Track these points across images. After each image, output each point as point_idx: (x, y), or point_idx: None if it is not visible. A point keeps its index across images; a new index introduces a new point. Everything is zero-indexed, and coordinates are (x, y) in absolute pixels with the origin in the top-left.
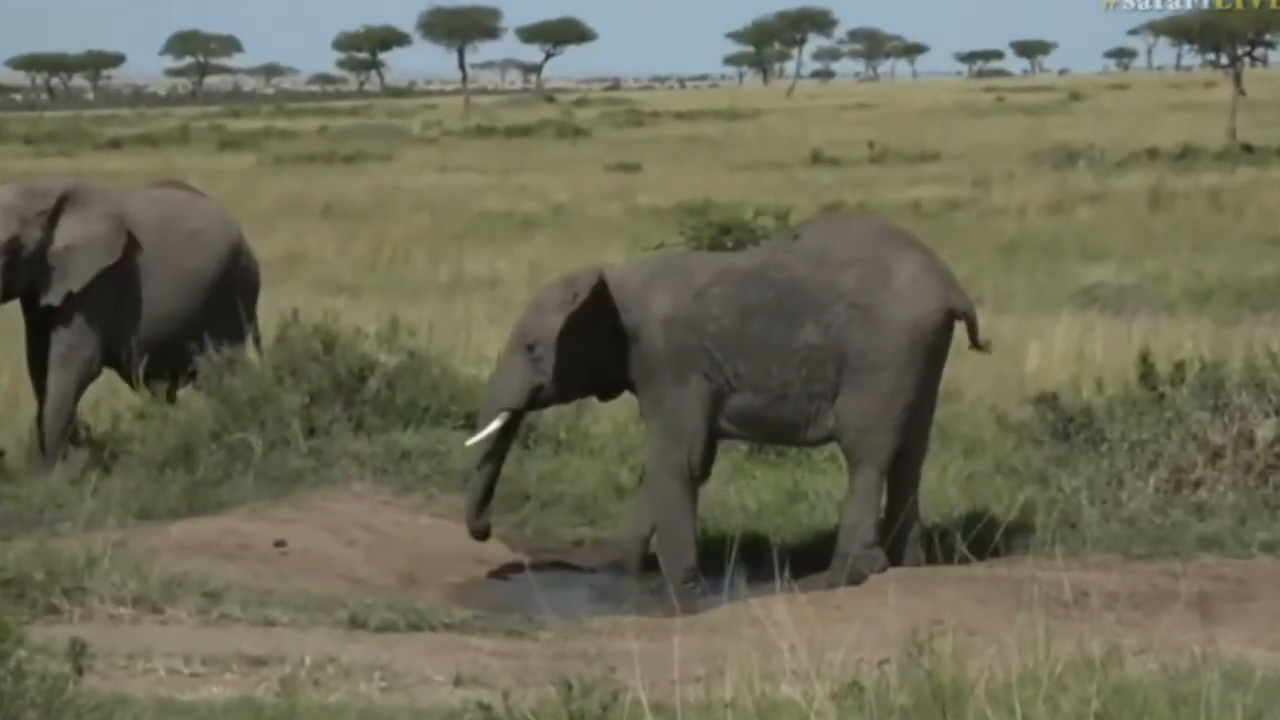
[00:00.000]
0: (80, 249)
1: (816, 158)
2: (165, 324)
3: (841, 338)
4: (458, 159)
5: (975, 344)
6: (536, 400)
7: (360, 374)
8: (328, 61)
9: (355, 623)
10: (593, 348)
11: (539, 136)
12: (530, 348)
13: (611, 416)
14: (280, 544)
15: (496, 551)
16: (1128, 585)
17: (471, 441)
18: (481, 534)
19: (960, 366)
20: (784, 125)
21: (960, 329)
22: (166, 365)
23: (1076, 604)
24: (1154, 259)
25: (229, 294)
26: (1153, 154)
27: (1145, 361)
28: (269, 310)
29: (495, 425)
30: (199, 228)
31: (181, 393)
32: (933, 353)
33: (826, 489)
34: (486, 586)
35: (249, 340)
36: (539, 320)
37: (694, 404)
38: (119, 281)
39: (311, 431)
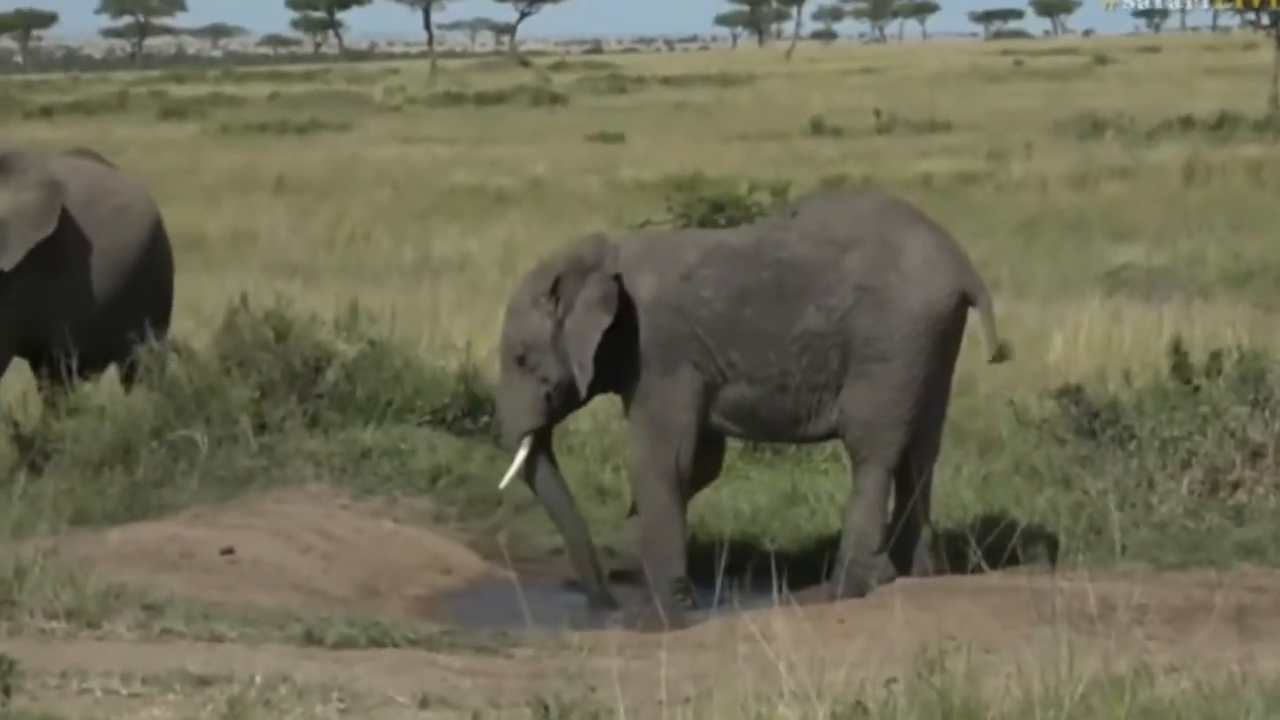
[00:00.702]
0: (10, 221)
1: (817, 127)
2: (96, 309)
3: (846, 323)
4: (423, 129)
5: (993, 352)
6: (553, 411)
7: (316, 365)
8: (280, 21)
9: (310, 638)
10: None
11: (512, 104)
12: (521, 359)
13: (592, 412)
14: (228, 552)
15: (465, 560)
16: (1159, 597)
17: (505, 482)
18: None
19: (974, 356)
20: (781, 92)
21: (973, 327)
22: (99, 356)
23: (1102, 618)
24: (1188, 238)
25: (151, 279)
26: (1187, 123)
27: (1178, 351)
28: (217, 294)
29: (522, 454)
30: (125, 203)
31: (111, 386)
32: (945, 340)
33: (828, 491)
34: (455, 599)
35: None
36: (519, 325)
37: (683, 397)
38: (50, 259)
39: (262, 428)
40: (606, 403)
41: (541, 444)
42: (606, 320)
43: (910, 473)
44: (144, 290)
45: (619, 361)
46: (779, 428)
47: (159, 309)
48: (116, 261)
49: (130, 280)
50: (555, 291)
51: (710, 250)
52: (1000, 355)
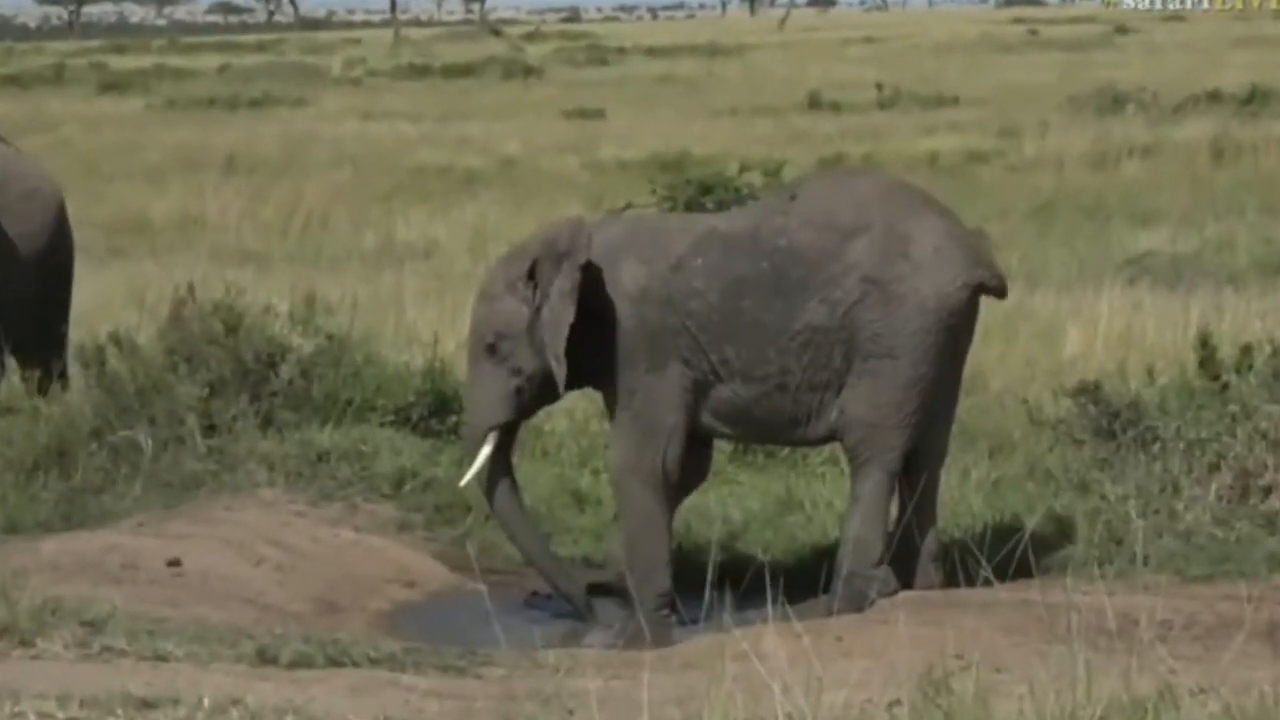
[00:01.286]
0: None
1: (814, 102)
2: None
3: (851, 318)
4: (386, 104)
5: (999, 292)
6: (523, 406)
7: (270, 360)
8: None
9: (264, 657)
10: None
11: (482, 77)
12: (492, 349)
13: (568, 411)
14: (174, 563)
15: (432, 572)
16: (1184, 612)
17: (465, 481)
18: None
19: (985, 351)
20: (775, 63)
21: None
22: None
23: (1123, 634)
24: (1216, 223)
25: (55, 268)
26: (1215, 98)
27: (1205, 345)
28: (162, 283)
29: (486, 451)
30: (33, 188)
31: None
32: (957, 335)
33: (824, 496)
34: (420, 614)
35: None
36: (492, 311)
37: (671, 396)
38: None
39: (211, 429)
40: (585, 401)
41: (504, 444)
42: (571, 314)
43: (915, 477)
44: (49, 280)
45: (600, 356)
46: (776, 430)
47: (61, 300)
48: (25, 250)
49: (38, 269)
50: (532, 276)
51: (701, 237)
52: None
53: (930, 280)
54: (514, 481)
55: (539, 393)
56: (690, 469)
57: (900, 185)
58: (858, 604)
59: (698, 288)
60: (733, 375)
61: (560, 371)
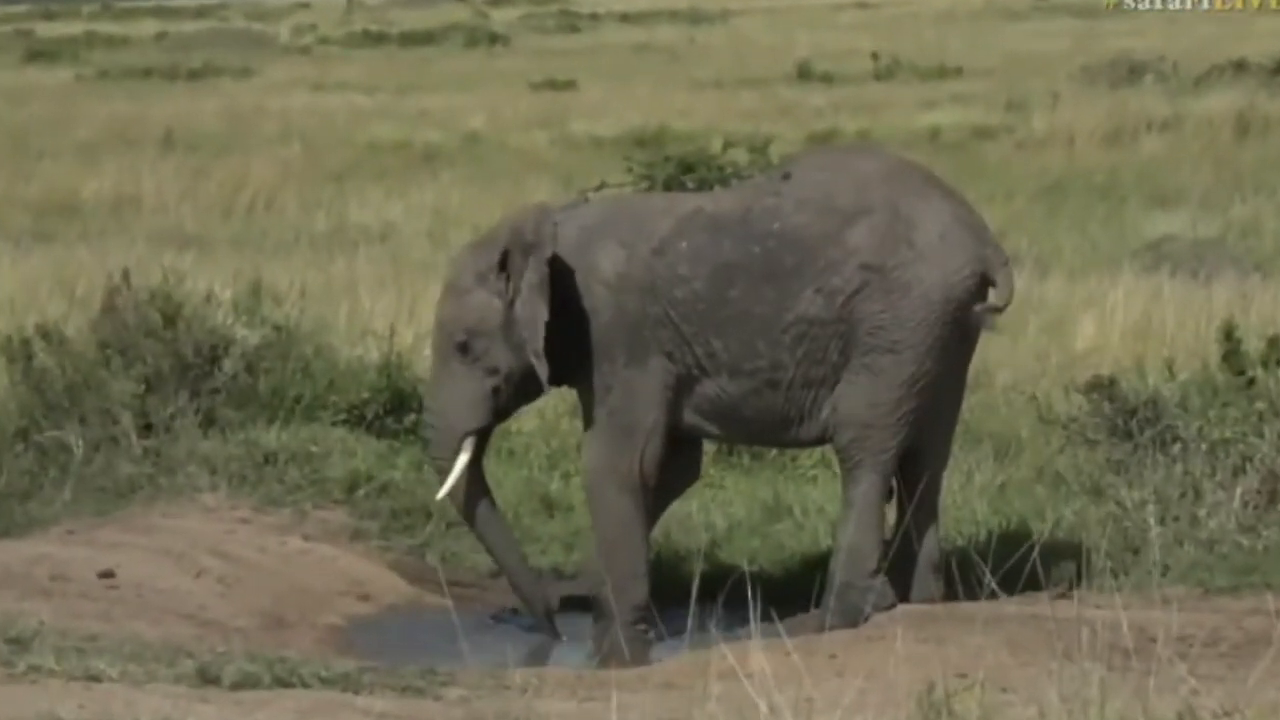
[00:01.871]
0: None
1: (804, 73)
2: None
3: (850, 308)
4: (338, 74)
5: (994, 311)
6: (500, 408)
7: (211, 354)
8: None
9: (205, 677)
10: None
11: (444, 45)
12: (465, 347)
13: (538, 410)
14: (107, 575)
15: (388, 584)
16: (1207, 627)
17: (441, 494)
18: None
19: (990, 344)
20: (762, 31)
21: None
22: None
23: (1139, 652)
24: (1241, 204)
25: None
26: (1240, 68)
27: (1229, 337)
28: (94, 270)
29: (463, 460)
30: None
31: None
32: (963, 328)
33: (816, 502)
34: (376, 629)
35: None
36: (463, 305)
37: (651, 392)
38: None
39: (147, 428)
40: (555, 399)
41: (477, 452)
42: (545, 309)
43: (915, 480)
44: None
45: (575, 348)
46: (766, 430)
47: None
48: None
49: None
50: (504, 267)
51: (686, 219)
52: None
53: (935, 268)
54: (489, 490)
55: (517, 393)
56: (679, 469)
57: (904, 164)
58: (852, 618)
59: (682, 274)
60: (719, 370)
61: (543, 369)
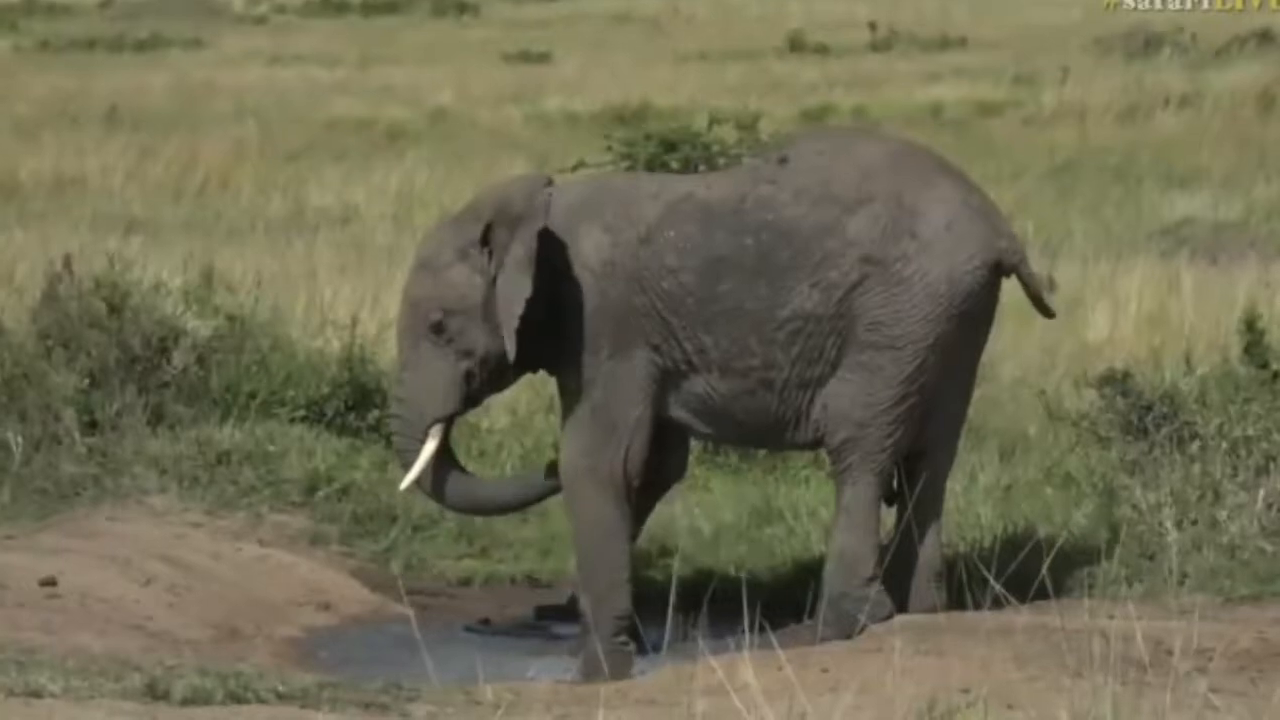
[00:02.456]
0: None
1: (796, 44)
2: None
3: (848, 304)
4: (295, 45)
5: (1042, 308)
6: (472, 394)
7: (160, 346)
8: None
9: (154, 693)
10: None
11: (409, 14)
12: (439, 326)
13: (509, 406)
14: (49, 583)
15: (349, 593)
16: (1226, 638)
17: (405, 485)
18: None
19: (995, 334)
20: None
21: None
22: None
23: (1155, 665)
24: (1265, 185)
25: None
26: (1264, 38)
27: (1252, 328)
28: (35, 256)
29: (430, 449)
30: None
31: None
32: (970, 323)
33: (808, 505)
34: (336, 641)
35: None
36: (439, 282)
37: (636, 386)
38: None
39: (92, 425)
40: (529, 393)
41: (445, 440)
42: (529, 287)
43: (915, 481)
44: None
45: (556, 337)
46: (759, 432)
47: None
48: None
49: None
50: (487, 242)
51: (677, 204)
52: (1049, 311)
53: (941, 260)
54: (461, 467)
55: (490, 379)
56: (664, 466)
57: (911, 150)
58: (846, 628)
59: (670, 265)
60: (709, 367)
61: (511, 347)
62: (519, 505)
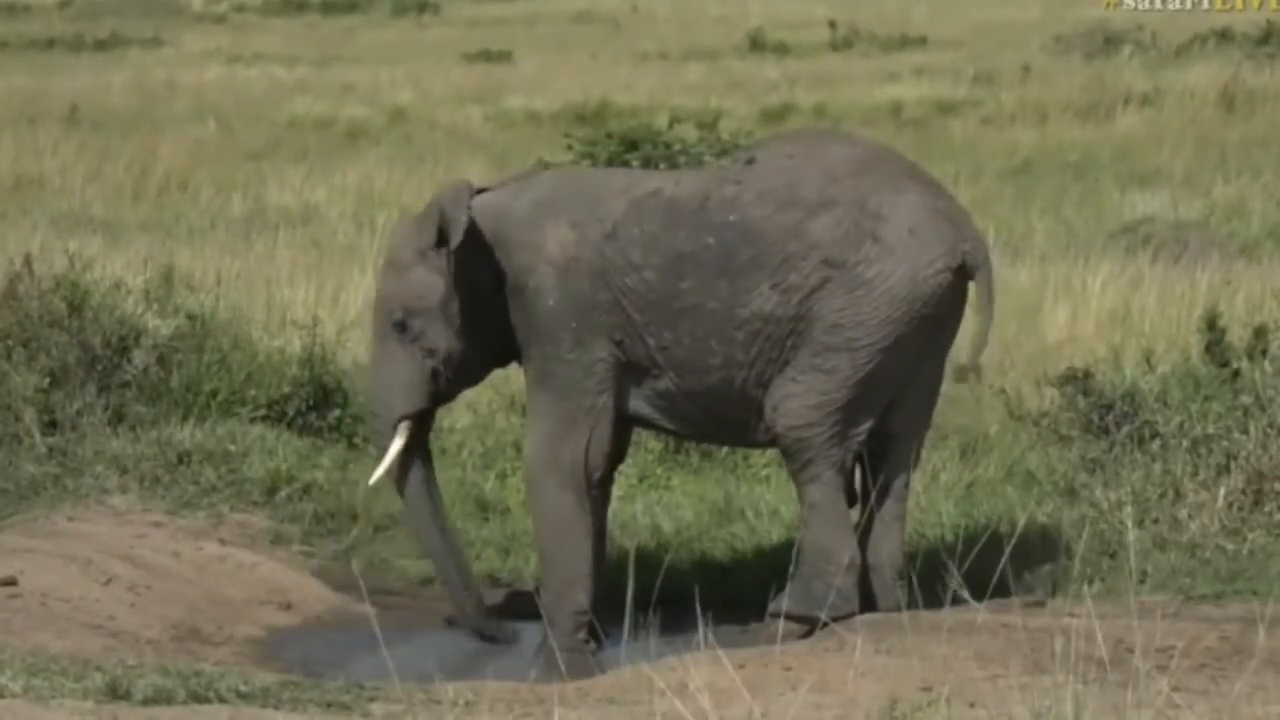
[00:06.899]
0: None
1: (756, 43)
2: None
3: (808, 306)
4: (255, 45)
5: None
6: (439, 391)
7: (120, 345)
8: None
9: (115, 692)
10: (480, 300)
11: (369, 13)
12: (402, 325)
13: (471, 404)
14: (9, 582)
15: (311, 592)
16: (1188, 637)
17: (374, 479)
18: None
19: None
20: None
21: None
22: None
23: (1116, 663)
24: (1225, 185)
25: None
26: (1225, 37)
27: (1212, 327)
28: None
29: (398, 445)
30: None
31: None
32: (933, 327)
33: (769, 504)
34: (298, 641)
35: None
36: (401, 283)
37: (598, 379)
38: None
39: (52, 425)
40: (490, 393)
41: (418, 436)
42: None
43: (876, 479)
44: None
45: (518, 331)
46: (721, 429)
47: None
48: None
49: None
50: (443, 242)
51: (641, 201)
52: (964, 374)
53: (903, 264)
54: (431, 479)
55: (456, 375)
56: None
57: (879, 153)
58: (812, 608)
59: (634, 261)
60: (671, 364)
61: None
62: (432, 561)
